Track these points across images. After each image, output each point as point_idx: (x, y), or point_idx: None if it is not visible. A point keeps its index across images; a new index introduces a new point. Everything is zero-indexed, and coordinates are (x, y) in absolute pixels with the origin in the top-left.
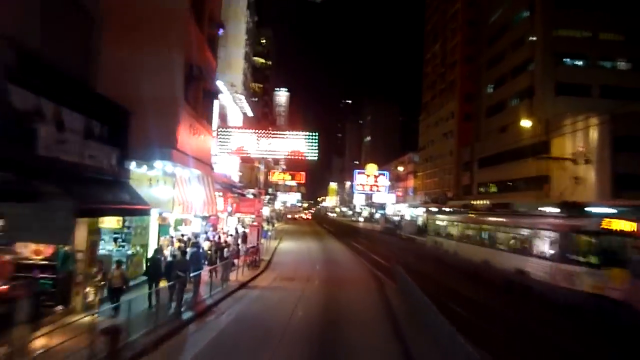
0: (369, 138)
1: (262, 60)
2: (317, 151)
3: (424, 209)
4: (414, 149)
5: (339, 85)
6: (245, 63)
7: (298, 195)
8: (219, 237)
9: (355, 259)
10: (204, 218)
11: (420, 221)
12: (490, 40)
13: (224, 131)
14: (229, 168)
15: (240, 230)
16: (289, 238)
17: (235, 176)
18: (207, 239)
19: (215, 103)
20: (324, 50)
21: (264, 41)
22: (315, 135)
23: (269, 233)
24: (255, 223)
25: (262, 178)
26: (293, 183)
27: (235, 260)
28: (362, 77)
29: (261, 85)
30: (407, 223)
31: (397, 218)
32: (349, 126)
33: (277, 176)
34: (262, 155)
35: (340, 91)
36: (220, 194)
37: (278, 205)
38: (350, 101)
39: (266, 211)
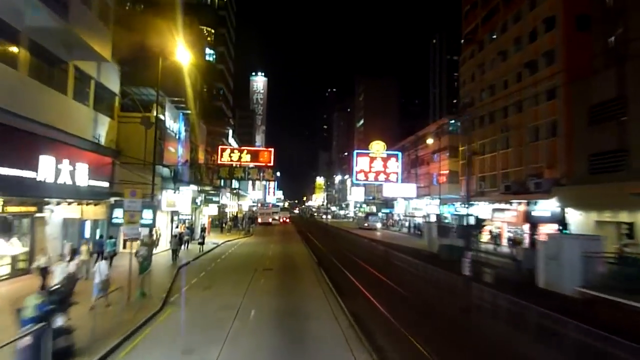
0: (362, 122)
1: None
2: None
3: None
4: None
5: (324, 67)
6: None
7: (279, 194)
8: None
9: None
10: None
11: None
12: None
13: None
14: None
15: None
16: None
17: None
18: None
19: None
20: (306, 31)
21: None
22: None
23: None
24: None
25: (185, 155)
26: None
27: None
28: (351, 53)
29: (212, 30)
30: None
31: (423, 221)
32: (336, 115)
33: (228, 155)
34: None
35: (325, 78)
36: None
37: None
38: (335, 90)
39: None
